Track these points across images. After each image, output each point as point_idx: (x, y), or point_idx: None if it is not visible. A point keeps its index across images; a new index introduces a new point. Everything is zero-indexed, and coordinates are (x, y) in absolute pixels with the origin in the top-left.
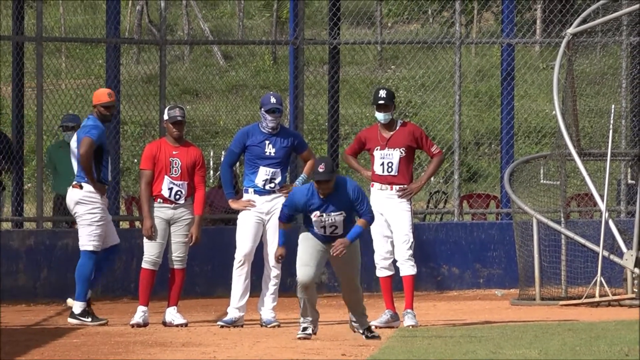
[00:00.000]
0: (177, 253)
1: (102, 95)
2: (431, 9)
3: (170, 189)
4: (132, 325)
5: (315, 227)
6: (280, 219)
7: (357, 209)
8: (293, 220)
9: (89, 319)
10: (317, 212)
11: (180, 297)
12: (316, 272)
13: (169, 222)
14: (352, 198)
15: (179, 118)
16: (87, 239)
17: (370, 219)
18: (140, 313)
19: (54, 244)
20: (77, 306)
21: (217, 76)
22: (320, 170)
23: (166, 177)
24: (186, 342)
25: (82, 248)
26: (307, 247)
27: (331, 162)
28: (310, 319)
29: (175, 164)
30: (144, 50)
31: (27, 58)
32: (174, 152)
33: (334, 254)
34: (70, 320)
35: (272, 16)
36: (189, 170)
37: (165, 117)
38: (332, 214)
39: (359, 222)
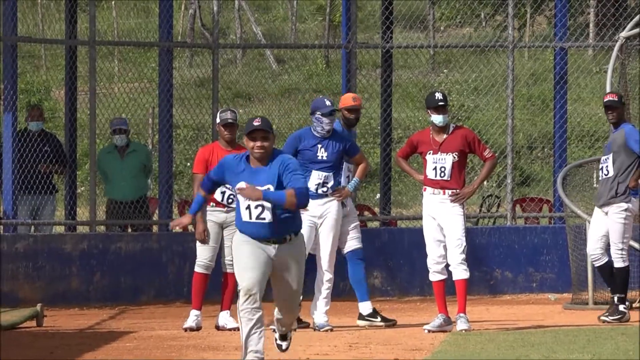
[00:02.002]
0: (230, 257)
1: (346, 99)
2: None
3: (223, 193)
4: (185, 329)
5: (240, 210)
6: (201, 185)
7: (286, 179)
8: (213, 191)
9: (378, 319)
10: (244, 183)
11: (233, 301)
12: (263, 276)
13: (221, 226)
14: (280, 169)
15: (230, 120)
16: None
17: (300, 193)
18: (193, 317)
19: (107, 247)
20: (364, 307)
21: (269, 80)
22: (256, 123)
23: None
24: (239, 346)
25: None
26: (245, 249)
27: (268, 120)
28: (255, 349)
29: None
30: (197, 54)
31: (80, 61)
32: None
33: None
34: (359, 322)
35: (325, 20)
36: None
37: (217, 120)
38: (260, 187)
39: (286, 190)
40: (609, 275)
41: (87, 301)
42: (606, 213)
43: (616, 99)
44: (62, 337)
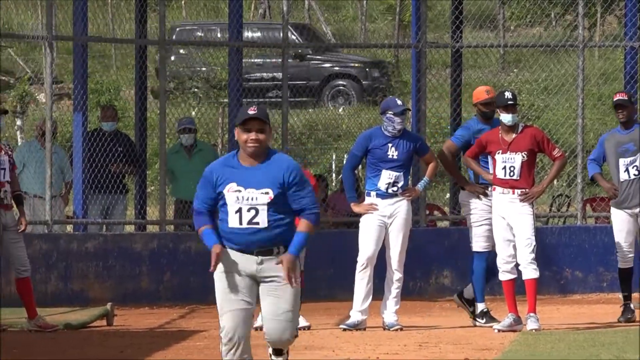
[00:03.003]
0: None
1: (480, 93)
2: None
3: None
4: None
5: (227, 216)
6: (199, 222)
7: (295, 196)
8: (215, 212)
9: (483, 320)
10: (234, 185)
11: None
12: (246, 315)
13: None
14: (288, 178)
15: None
16: (473, 240)
17: (316, 218)
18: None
19: (177, 247)
20: (478, 307)
21: None
22: (251, 111)
23: None
24: (308, 345)
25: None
26: (223, 284)
27: (265, 109)
28: None
29: None
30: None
31: (150, 61)
32: None
33: (289, 283)
34: (477, 321)
35: (395, 19)
36: None
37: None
38: (255, 190)
39: (302, 225)
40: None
41: (157, 300)
42: (638, 214)
43: (626, 98)
44: (132, 336)
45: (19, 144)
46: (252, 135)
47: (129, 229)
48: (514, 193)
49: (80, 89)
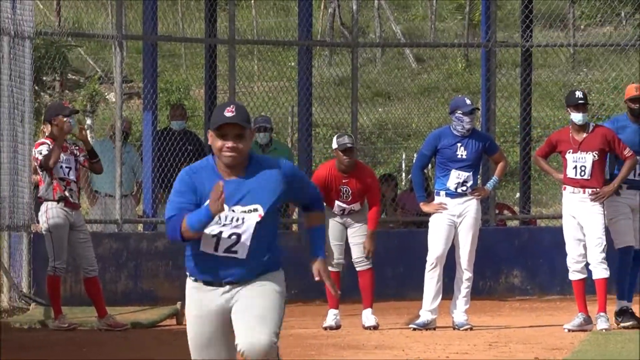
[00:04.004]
0: (357, 255)
1: (630, 90)
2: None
3: (343, 210)
4: (325, 328)
5: (203, 239)
6: (169, 218)
7: (301, 192)
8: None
9: (620, 318)
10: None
11: (373, 298)
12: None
13: (344, 225)
14: (284, 181)
15: (349, 145)
16: (615, 238)
17: (323, 206)
18: (332, 316)
19: None
20: (618, 304)
21: (408, 79)
22: (228, 114)
23: (337, 201)
24: (378, 345)
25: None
26: (198, 325)
27: (245, 109)
28: None
29: (346, 191)
30: (336, 53)
31: (220, 60)
32: (343, 180)
33: (335, 294)
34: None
35: (464, 19)
36: (360, 194)
37: (334, 145)
38: (241, 208)
39: (314, 218)
40: None
41: None
42: None
43: None
44: None
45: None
46: (229, 143)
47: None
48: (584, 192)
49: (150, 88)
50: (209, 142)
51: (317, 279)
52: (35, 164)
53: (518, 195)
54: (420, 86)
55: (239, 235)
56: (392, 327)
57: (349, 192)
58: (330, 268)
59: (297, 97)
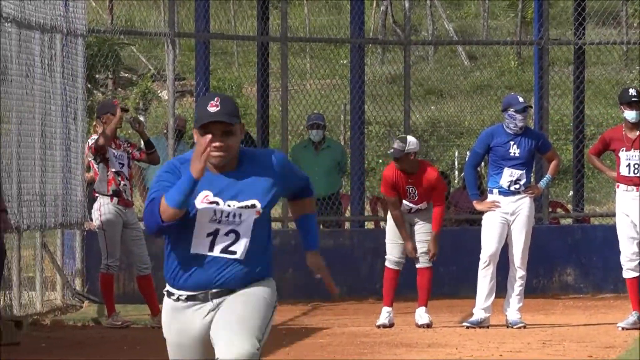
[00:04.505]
0: (419, 251)
1: None
2: None
3: (410, 209)
4: (378, 326)
5: (191, 239)
6: (150, 201)
7: (296, 181)
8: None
9: None
10: (209, 194)
11: (429, 297)
12: None
13: (409, 223)
14: (277, 174)
15: (396, 156)
16: None
17: (313, 193)
18: (385, 314)
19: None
20: None
21: (461, 76)
22: (212, 109)
23: (404, 200)
24: (432, 343)
25: None
26: (180, 353)
27: (232, 101)
28: None
29: (412, 191)
30: (389, 51)
31: (272, 58)
32: (409, 181)
33: (332, 290)
34: None
35: (517, 16)
36: (426, 194)
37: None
38: (237, 203)
39: (305, 205)
40: None
41: (280, 297)
42: None
43: None
44: None
45: None
46: (216, 142)
47: None
48: (638, 190)
49: (203, 86)
50: (195, 141)
51: (317, 276)
52: (89, 158)
53: (571, 193)
54: (473, 84)
55: (237, 233)
56: (445, 325)
57: (415, 192)
58: (390, 266)
59: (350, 95)
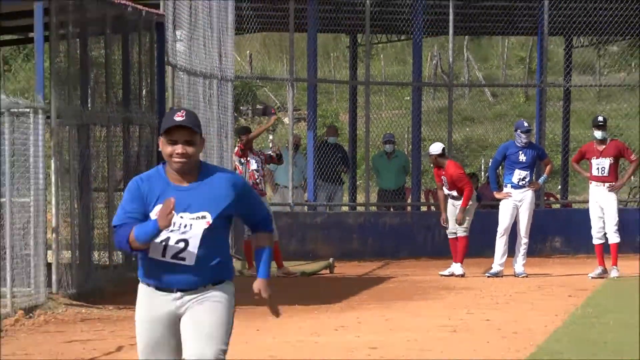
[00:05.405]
0: (453, 225)
1: None
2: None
3: (448, 194)
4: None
5: (151, 245)
6: (117, 226)
7: (248, 209)
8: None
9: None
10: (171, 201)
11: (463, 257)
12: None
13: (453, 205)
14: (235, 190)
15: (429, 157)
16: None
17: (271, 228)
18: (456, 268)
19: (377, 221)
20: None
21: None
22: (178, 118)
23: (443, 187)
24: (464, 287)
25: None
26: (148, 331)
27: (195, 114)
28: None
29: (444, 180)
30: (438, 91)
31: (359, 95)
32: (442, 174)
33: (275, 315)
34: None
35: (525, 67)
36: (453, 184)
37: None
38: (189, 215)
39: (261, 239)
40: None
41: (363, 257)
42: None
43: None
44: (346, 281)
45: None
46: (179, 149)
47: (345, 209)
48: (604, 185)
49: (312, 115)
50: (160, 149)
51: (256, 297)
52: (235, 162)
53: (559, 187)
54: (495, 113)
55: (186, 242)
56: (474, 275)
57: (446, 181)
58: (450, 236)
59: (411, 121)
